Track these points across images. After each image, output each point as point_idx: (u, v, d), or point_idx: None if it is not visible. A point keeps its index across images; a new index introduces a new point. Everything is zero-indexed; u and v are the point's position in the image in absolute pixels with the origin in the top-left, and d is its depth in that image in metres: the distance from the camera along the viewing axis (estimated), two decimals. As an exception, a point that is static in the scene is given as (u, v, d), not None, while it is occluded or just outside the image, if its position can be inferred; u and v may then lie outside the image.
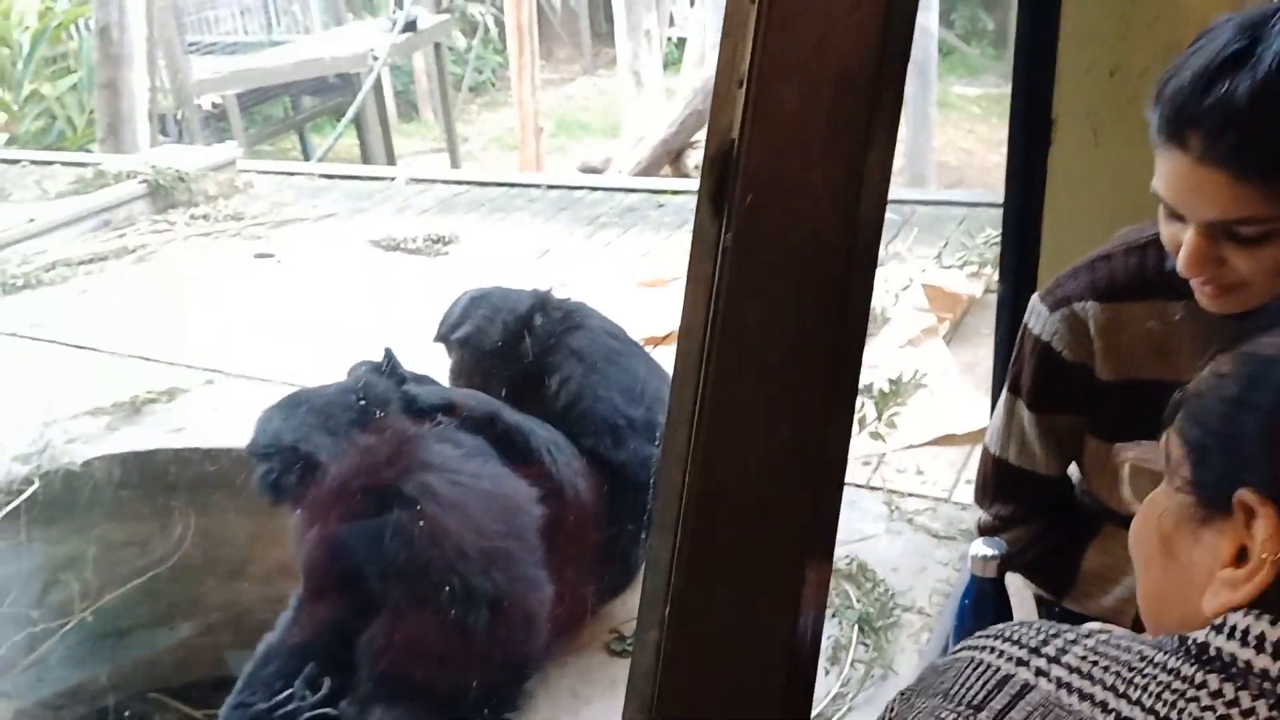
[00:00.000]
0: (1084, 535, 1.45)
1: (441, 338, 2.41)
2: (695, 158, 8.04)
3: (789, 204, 1.13)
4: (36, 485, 2.83)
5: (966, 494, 2.50)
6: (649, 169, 7.99)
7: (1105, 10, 1.78)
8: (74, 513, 2.95)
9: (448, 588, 1.87)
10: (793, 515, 1.15)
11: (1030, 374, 1.37)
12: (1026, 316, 1.39)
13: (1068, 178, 1.87)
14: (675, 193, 4.79)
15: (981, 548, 1.40)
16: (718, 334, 1.16)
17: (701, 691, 1.18)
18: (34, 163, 5.45)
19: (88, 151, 7.44)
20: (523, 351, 2.32)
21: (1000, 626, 0.84)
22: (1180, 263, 1.09)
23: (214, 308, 3.81)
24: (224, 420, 3.09)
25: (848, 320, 1.18)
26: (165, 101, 8.49)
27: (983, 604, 1.40)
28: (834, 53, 1.10)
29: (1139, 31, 1.78)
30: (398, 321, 3.62)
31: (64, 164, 5.36)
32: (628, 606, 2.32)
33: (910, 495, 2.49)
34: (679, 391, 1.28)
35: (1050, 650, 0.69)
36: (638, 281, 3.79)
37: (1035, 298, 1.38)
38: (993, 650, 0.74)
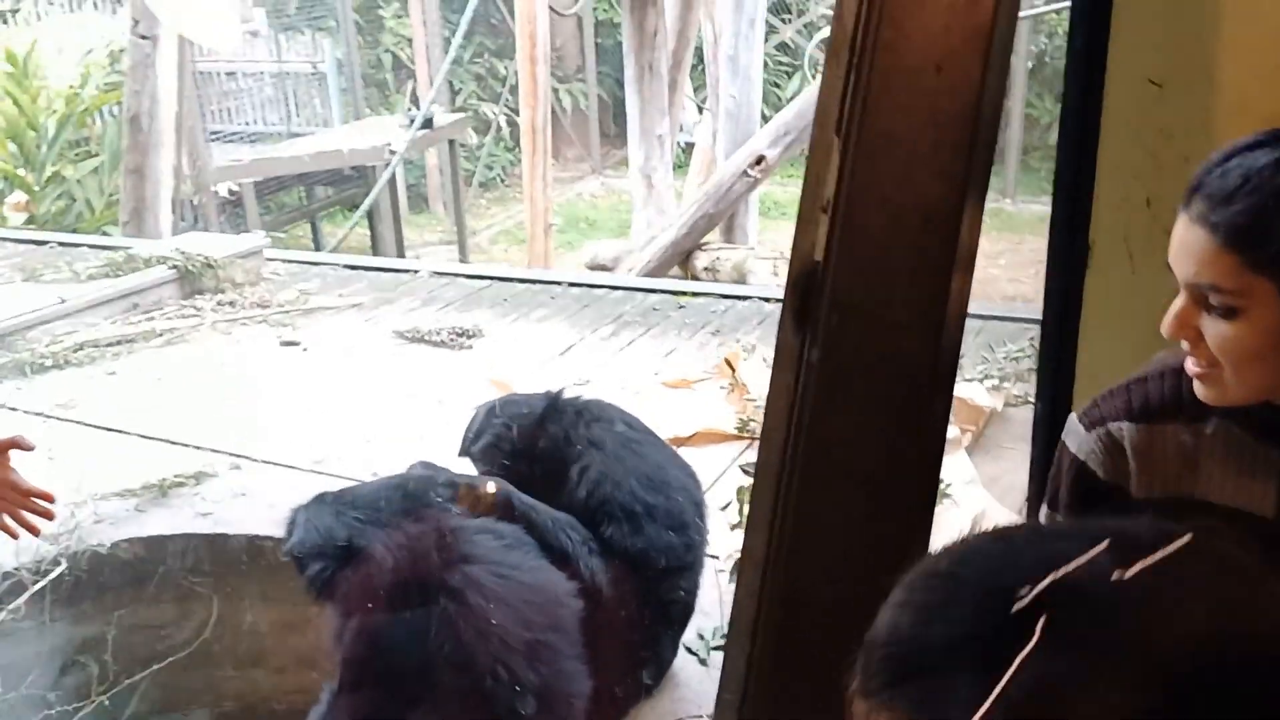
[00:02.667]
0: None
1: (465, 452, 2.47)
2: (705, 259, 8.18)
3: (874, 324, 1.20)
4: (64, 566, 2.83)
5: (994, 605, 2.52)
6: (659, 269, 8.12)
7: (1141, 147, 1.87)
8: (98, 595, 2.95)
9: (492, 680, 1.88)
10: (875, 613, 1.19)
11: (1067, 491, 1.42)
12: (1065, 434, 1.44)
13: (1104, 301, 1.95)
14: (696, 295, 4.88)
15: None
16: (802, 444, 1.21)
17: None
18: (62, 244, 5.55)
19: (105, 234, 7.56)
20: (540, 452, 2.37)
21: None
22: (1164, 323, 1.18)
23: (241, 393, 3.85)
24: (251, 506, 3.11)
25: (930, 434, 1.24)
26: (185, 188, 8.64)
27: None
28: (919, 185, 1.18)
29: (1173, 167, 1.87)
30: (423, 413, 3.67)
31: (91, 246, 5.46)
32: (658, 709, 2.32)
33: (938, 605, 2.50)
34: (758, 497, 1.32)
35: None
36: (662, 381, 3.84)
37: (1073, 417, 1.44)
38: None
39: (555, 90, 13.54)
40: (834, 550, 1.25)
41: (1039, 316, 4.04)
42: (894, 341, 1.22)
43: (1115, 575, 0.57)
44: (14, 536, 1.67)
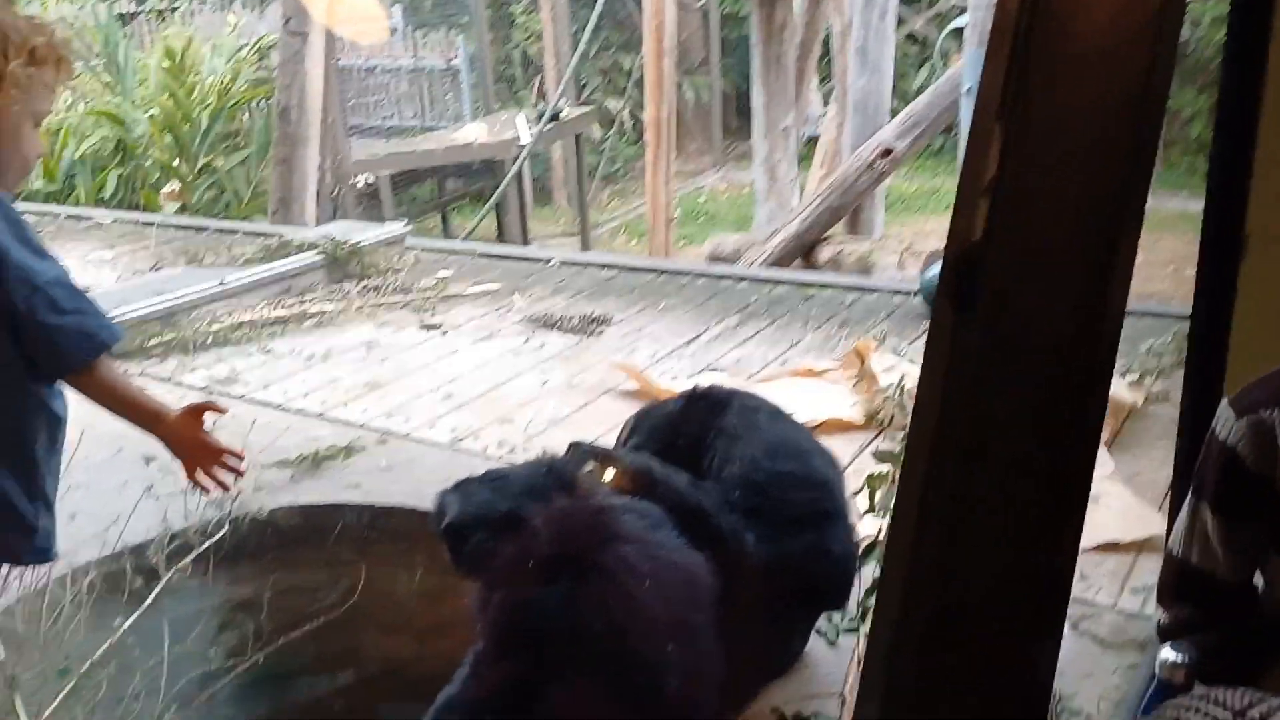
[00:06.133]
0: (1268, 652, 1.46)
1: None
2: (828, 252, 8.16)
3: (1033, 310, 1.23)
4: (226, 530, 3.02)
5: (1132, 603, 2.49)
6: (780, 261, 8.14)
7: (1302, 138, 1.84)
8: (256, 558, 3.14)
9: (637, 656, 1.94)
10: (1025, 596, 1.22)
11: (1214, 478, 1.42)
12: (1215, 421, 1.44)
13: (1259, 295, 1.92)
14: (823, 286, 4.89)
15: (1171, 653, 1.43)
16: (957, 427, 1.25)
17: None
18: (219, 230, 5.89)
19: (250, 221, 7.97)
20: (681, 451, 2.43)
21: (1203, 689, 0.88)
22: None
23: (386, 373, 4.03)
24: (396, 479, 3.27)
25: (1085, 420, 1.26)
26: (326, 179, 9.02)
27: (1172, 710, 1.42)
28: (1083, 174, 1.20)
29: (1336, 158, 1.84)
30: (556, 397, 3.78)
31: (247, 233, 5.78)
32: (787, 689, 2.37)
33: (1073, 600, 2.49)
34: (907, 479, 1.36)
35: (1255, 714, 0.75)
36: (789, 371, 3.88)
37: (1224, 403, 1.44)
38: (1198, 710, 0.79)
39: (679, 84, 13.63)
40: (985, 534, 1.29)
41: (1181, 312, 3.96)
42: (1054, 328, 1.25)
43: None
44: (207, 492, 1.83)
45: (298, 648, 3.12)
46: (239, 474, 1.83)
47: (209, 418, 1.81)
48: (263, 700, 3.21)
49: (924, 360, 1.32)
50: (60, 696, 2.70)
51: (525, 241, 10.41)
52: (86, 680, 2.77)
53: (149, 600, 2.87)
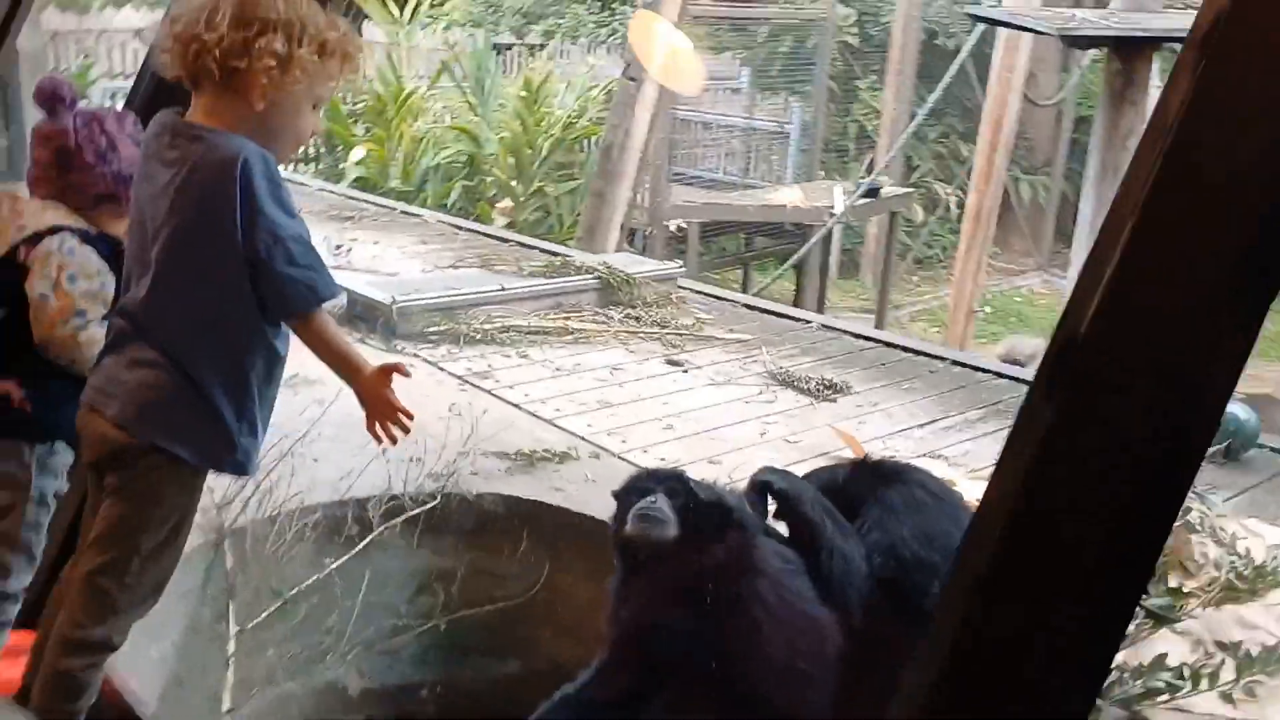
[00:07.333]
0: None
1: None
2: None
3: (1126, 407, 1.20)
4: (438, 502, 3.30)
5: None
6: (1074, 374, 7.65)
7: None
8: (457, 534, 3.40)
9: (750, 694, 1.97)
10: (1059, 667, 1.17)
11: None
12: None
13: None
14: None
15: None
16: (1031, 505, 1.24)
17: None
18: (519, 244, 6.41)
19: (565, 246, 8.56)
20: (840, 511, 2.41)
21: None
22: None
23: (621, 396, 4.24)
24: (598, 492, 3.42)
25: (1155, 523, 1.21)
26: (641, 218, 9.51)
27: None
28: (1201, 282, 1.18)
29: None
30: (771, 449, 3.82)
31: (541, 250, 6.26)
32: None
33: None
34: (967, 551, 1.34)
35: None
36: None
37: None
38: None
39: (1016, 179, 13.20)
40: (1037, 608, 1.27)
41: None
42: (1142, 432, 1.23)
43: None
44: (379, 441, 2.04)
45: (477, 625, 3.35)
46: (406, 431, 2.01)
47: (397, 379, 2.01)
48: (435, 666, 3.46)
49: (1007, 441, 1.31)
50: (266, 613, 3.06)
51: (820, 309, 10.43)
52: (292, 605, 3.12)
53: (359, 547, 3.19)
